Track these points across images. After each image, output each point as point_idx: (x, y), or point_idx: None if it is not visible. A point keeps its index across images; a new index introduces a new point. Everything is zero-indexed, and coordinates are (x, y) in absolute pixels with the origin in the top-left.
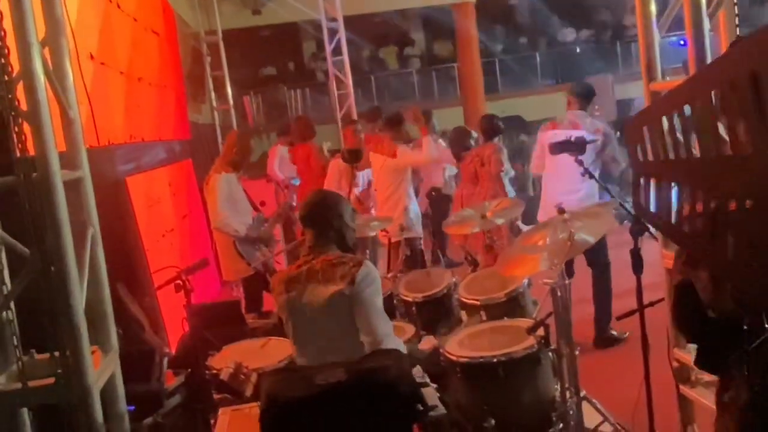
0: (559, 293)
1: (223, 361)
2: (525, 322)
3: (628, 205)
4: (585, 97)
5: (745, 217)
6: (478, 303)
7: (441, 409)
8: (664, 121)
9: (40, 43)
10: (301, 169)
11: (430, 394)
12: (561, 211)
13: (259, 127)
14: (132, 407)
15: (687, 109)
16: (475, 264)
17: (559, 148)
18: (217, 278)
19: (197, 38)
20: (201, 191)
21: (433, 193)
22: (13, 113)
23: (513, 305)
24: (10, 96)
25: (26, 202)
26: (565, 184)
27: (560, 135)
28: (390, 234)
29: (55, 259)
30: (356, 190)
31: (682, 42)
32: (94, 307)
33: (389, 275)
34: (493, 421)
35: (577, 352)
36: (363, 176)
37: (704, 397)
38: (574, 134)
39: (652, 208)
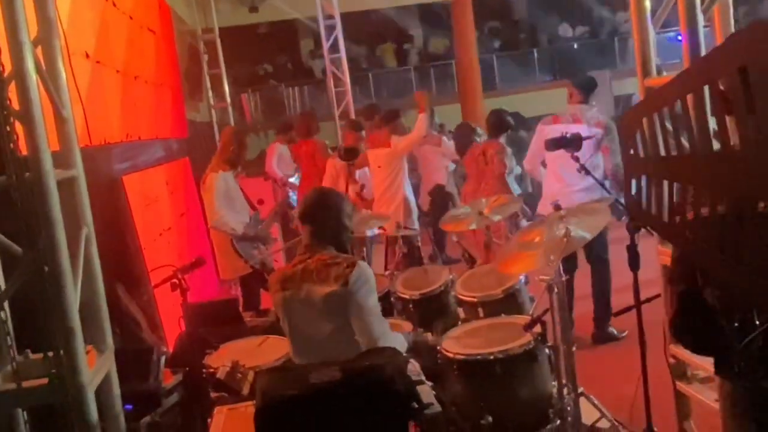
0: (555, 290)
1: (221, 360)
2: (522, 319)
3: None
4: (586, 90)
5: (734, 215)
6: (476, 300)
7: (437, 407)
8: (656, 118)
9: (33, 42)
10: (306, 165)
11: (426, 391)
12: (557, 207)
13: (257, 124)
14: (129, 406)
15: (679, 106)
16: (472, 261)
17: (554, 144)
18: (215, 277)
19: (194, 36)
20: (198, 190)
21: (436, 190)
22: (5, 113)
23: (510, 302)
24: (2, 95)
25: (19, 202)
26: (565, 180)
27: (557, 131)
28: (387, 231)
29: (49, 259)
30: (356, 187)
31: (679, 38)
32: (89, 306)
33: (386, 272)
34: (490, 418)
35: (574, 349)
36: (361, 174)
37: (701, 393)
38: (570, 129)
39: (644, 205)
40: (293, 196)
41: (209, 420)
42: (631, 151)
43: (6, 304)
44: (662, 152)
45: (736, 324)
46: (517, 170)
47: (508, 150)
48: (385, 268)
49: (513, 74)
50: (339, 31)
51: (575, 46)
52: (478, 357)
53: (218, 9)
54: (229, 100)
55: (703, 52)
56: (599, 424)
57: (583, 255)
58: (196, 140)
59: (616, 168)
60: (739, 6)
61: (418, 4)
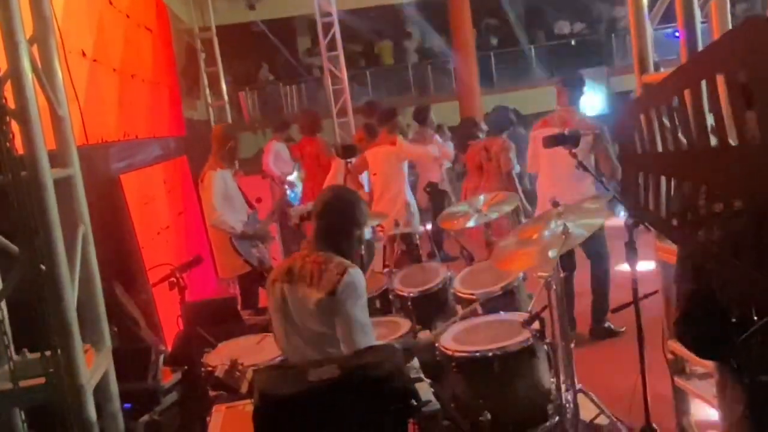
0: (554, 286)
1: (219, 358)
2: (520, 316)
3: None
4: (575, 88)
5: (731, 211)
6: (474, 297)
7: (435, 404)
8: (653, 113)
9: (28, 41)
10: (309, 164)
11: (424, 389)
12: (555, 204)
13: (255, 123)
14: (128, 405)
15: (675, 101)
16: (470, 258)
17: (552, 141)
18: (214, 275)
19: (191, 34)
20: (196, 188)
21: (428, 189)
22: (1, 112)
23: (508, 299)
24: None
25: (15, 202)
26: (561, 178)
27: (546, 134)
28: (385, 229)
29: (46, 258)
30: (356, 186)
31: (677, 34)
32: (86, 305)
33: (384, 270)
34: (489, 415)
35: (572, 345)
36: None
37: (699, 389)
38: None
39: (642, 201)
40: (291, 194)
41: (208, 418)
42: (628, 148)
43: (3, 304)
44: (660, 148)
45: (734, 319)
46: (516, 168)
47: (513, 146)
48: (384, 266)
49: (511, 71)
50: (336, 29)
51: (572, 42)
52: (477, 354)
53: (215, 7)
54: (226, 98)
55: (701, 48)
56: (598, 421)
57: (581, 254)
58: (193, 139)
59: (614, 170)
60: (737, 2)
61: (415, 1)
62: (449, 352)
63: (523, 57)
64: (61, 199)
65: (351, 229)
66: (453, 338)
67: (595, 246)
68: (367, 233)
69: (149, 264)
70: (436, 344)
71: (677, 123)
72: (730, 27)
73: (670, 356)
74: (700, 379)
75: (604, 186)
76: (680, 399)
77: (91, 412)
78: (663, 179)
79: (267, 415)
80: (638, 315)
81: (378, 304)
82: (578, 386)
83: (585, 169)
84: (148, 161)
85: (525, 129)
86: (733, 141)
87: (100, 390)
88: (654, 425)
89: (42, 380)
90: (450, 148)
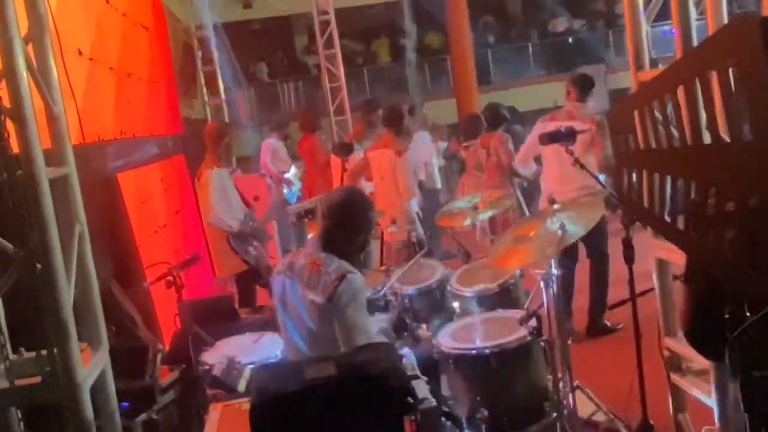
0: (551, 283)
1: (216, 357)
2: (517, 313)
3: None
4: (584, 88)
5: (724, 206)
6: (471, 294)
7: (431, 402)
8: (647, 110)
9: (24, 39)
10: (307, 161)
11: (421, 386)
12: (552, 201)
13: (253, 121)
14: (126, 404)
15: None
16: (467, 256)
17: (548, 138)
18: (211, 274)
19: (188, 33)
20: (193, 186)
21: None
22: None
23: (506, 296)
24: None
25: (10, 201)
26: (567, 174)
27: (553, 127)
28: (382, 227)
29: (42, 257)
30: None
31: (674, 31)
32: (82, 304)
33: (382, 268)
34: (486, 412)
35: (569, 342)
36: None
37: (695, 386)
38: (563, 124)
39: (636, 198)
40: (288, 193)
41: (205, 417)
42: (622, 144)
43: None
44: (653, 145)
45: (726, 315)
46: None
47: (509, 138)
48: (381, 263)
49: (508, 68)
50: (333, 27)
51: (570, 40)
52: (474, 351)
53: (212, 5)
54: (223, 96)
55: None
56: (595, 417)
57: (583, 248)
58: (190, 137)
59: (607, 160)
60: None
61: None
62: (446, 350)
63: (520, 54)
64: (57, 198)
65: (355, 234)
66: (450, 336)
67: (597, 243)
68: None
69: (146, 262)
70: (433, 341)
71: (670, 120)
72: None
73: (666, 353)
74: (696, 375)
75: (600, 183)
76: (676, 395)
77: (88, 411)
78: (657, 176)
79: (264, 413)
80: (635, 312)
81: (375, 301)
82: (575, 383)
83: (582, 166)
84: (145, 160)
85: (522, 126)
86: (725, 137)
87: (97, 389)
88: (651, 422)
89: (38, 379)
90: (441, 148)
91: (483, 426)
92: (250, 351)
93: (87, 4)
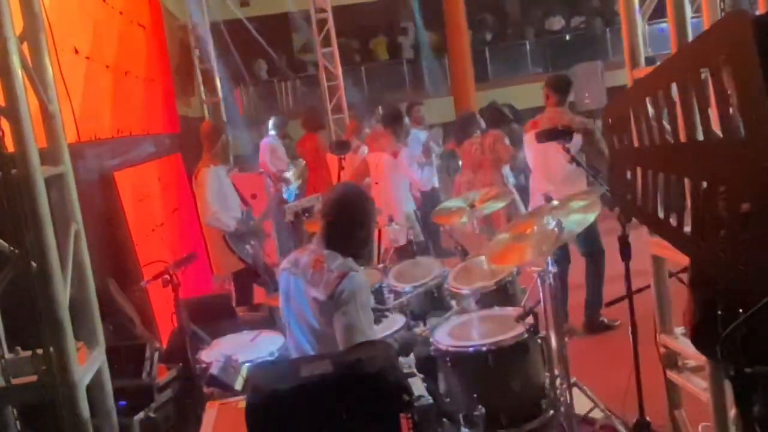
0: (547, 281)
1: (214, 355)
2: (514, 311)
3: None
4: (562, 91)
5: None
6: (468, 292)
7: (428, 399)
8: (640, 107)
9: (18, 38)
10: (311, 159)
11: (417, 384)
12: (548, 199)
13: (251, 119)
14: (123, 402)
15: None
16: (465, 253)
17: (545, 136)
18: (209, 272)
19: (185, 31)
20: (191, 185)
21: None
22: None
23: (503, 294)
24: None
25: (5, 200)
26: (555, 176)
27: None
28: (380, 226)
29: (37, 256)
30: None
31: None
32: (78, 302)
33: (379, 266)
34: (483, 410)
35: (566, 340)
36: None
37: (691, 382)
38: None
39: (630, 195)
40: (287, 191)
41: (202, 415)
42: (615, 142)
43: None
44: (647, 142)
45: (719, 312)
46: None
47: (505, 135)
48: (378, 261)
49: (505, 66)
50: (331, 25)
51: (567, 37)
52: (471, 349)
53: (209, 3)
54: (221, 95)
55: None
56: (592, 414)
57: (574, 248)
58: (188, 136)
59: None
60: None
61: None
62: (443, 347)
63: (517, 52)
64: (53, 196)
65: (355, 229)
66: (447, 333)
67: (589, 243)
68: None
69: (144, 261)
70: (431, 339)
71: (664, 116)
72: None
73: (662, 350)
74: (693, 372)
75: (597, 181)
76: (672, 392)
77: (84, 409)
78: (650, 173)
79: (259, 411)
80: (632, 309)
81: (373, 299)
82: (572, 380)
83: (578, 164)
84: (142, 158)
85: (519, 124)
86: (718, 134)
87: (94, 387)
88: (647, 418)
89: (34, 378)
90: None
91: (480, 423)
92: (247, 349)
93: (83, 2)
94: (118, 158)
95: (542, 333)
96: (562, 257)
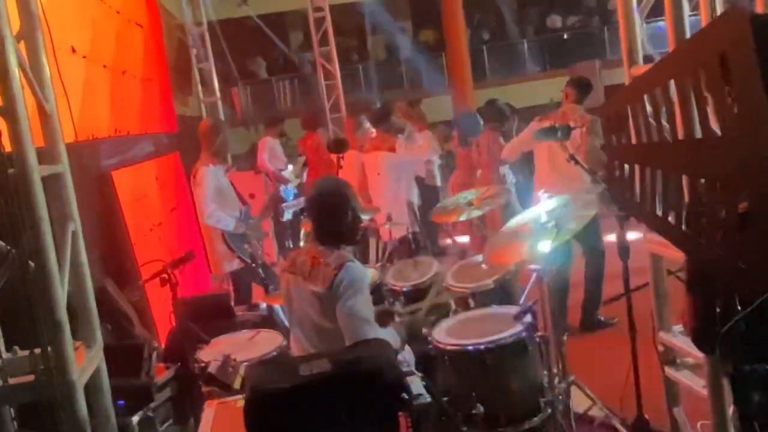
0: (545, 279)
1: (212, 354)
2: (512, 309)
3: None
4: (582, 91)
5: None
6: (466, 291)
7: (426, 398)
8: (638, 105)
9: (15, 37)
10: (311, 158)
11: (416, 382)
12: (550, 196)
13: (248, 118)
14: (122, 402)
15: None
16: (463, 252)
17: (543, 134)
18: (208, 271)
19: (183, 30)
20: (189, 184)
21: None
22: None
23: (501, 292)
24: None
25: (2, 199)
26: (561, 172)
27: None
28: (379, 224)
29: (35, 255)
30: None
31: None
32: (76, 302)
33: (377, 264)
34: (481, 408)
35: (565, 338)
36: None
37: (689, 380)
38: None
39: (628, 193)
40: (285, 190)
41: (201, 414)
42: (615, 139)
43: None
44: (645, 139)
45: (717, 309)
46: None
47: (498, 134)
48: (377, 260)
49: (503, 65)
50: (328, 24)
51: (565, 36)
52: (469, 347)
53: (207, 2)
54: (218, 94)
55: None
56: (590, 412)
57: (578, 246)
58: (186, 135)
59: (594, 155)
60: None
61: None
62: (441, 346)
63: (515, 51)
64: (51, 196)
65: (342, 215)
66: (445, 331)
67: (591, 241)
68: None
69: (142, 261)
70: (429, 338)
71: (661, 114)
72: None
73: (660, 347)
74: (691, 369)
75: (596, 179)
76: (671, 389)
77: (82, 409)
78: (648, 171)
79: (258, 410)
80: (630, 307)
81: (371, 298)
82: (570, 378)
83: (576, 162)
84: (139, 158)
85: (517, 123)
86: (716, 131)
87: (92, 387)
88: (646, 416)
89: (32, 378)
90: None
91: (479, 422)
92: (245, 348)
93: (80, 1)
94: (116, 157)
95: (540, 331)
96: (565, 255)
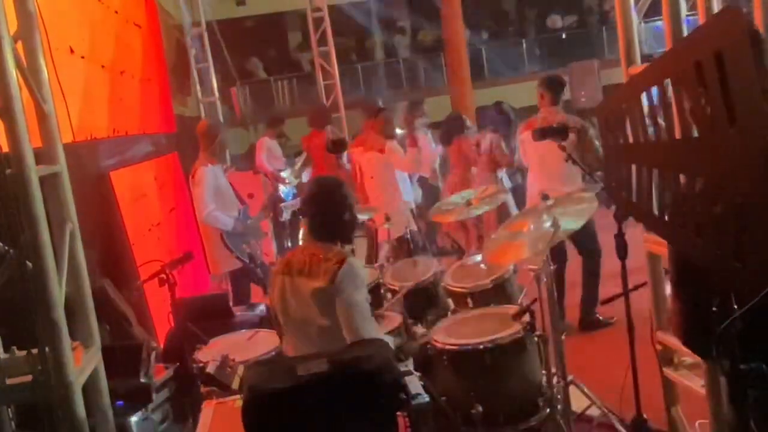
0: (544, 279)
1: (210, 354)
2: (511, 309)
3: None
4: (556, 90)
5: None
6: (465, 290)
7: (425, 397)
8: (634, 104)
9: (12, 37)
10: (316, 155)
11: (414, 382)
12: (545, 197)
13: (246, 118)
14: (121, 402)
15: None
16: (461, 252)
17: (541, 134)
18: (206, 271)
19: (181, 30)
20: (187, 184)
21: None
22: None
23: (499, 292)
24: None
25: (0, 200)
26: (552, 174)
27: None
28: (376, 224)
29: (32, 256)
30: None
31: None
32: (74, 302)
33: (376, 264)
34: (480, 408)
35: (563, 337)
36: None
37: (688, 379)
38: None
39: (625, 192)
40: (283, 190)
41: (199, 414)
42: (612, 138)
43: None
44: (641, 139)
45: (714, 308)
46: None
47: (501, 138)
48: (375, 260)
49: (502, 65)
50: (327, 24)
51: (563, 35)
52: (468, 347)
53: (205, 3)
54: (217, 94)
55: None
56: (589, 412)
57: (571, 246)
58: (184, 135)
59: (600, 161)
60: None
61: None
62: (440, 345)
63: (514, 50)
64: (48, 196)
65: (339, 214)
66: (444, 331)
67: (586, 241)
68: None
69: (140, 261)
70: (427, 341)
71: (658, 112)
72: None
73: (659, 347)
74: (689, 369)
75: (593, 178)
76: (669, 389)
77: (80, 409)
78: (645, 170)
79: (256, 410)
80: (628, 306)
81: (370, 297)
82: (569, 378)
83: (574, 162)
84: (138, 158)
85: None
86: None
87: (90, 387)
88: (644, 415)
89: (29, 378)
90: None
91: (477, 421)
92: (244, 348)
93: (78, 1)
94: (114, 158)
95: (539, 331)
96: (560, 255)
